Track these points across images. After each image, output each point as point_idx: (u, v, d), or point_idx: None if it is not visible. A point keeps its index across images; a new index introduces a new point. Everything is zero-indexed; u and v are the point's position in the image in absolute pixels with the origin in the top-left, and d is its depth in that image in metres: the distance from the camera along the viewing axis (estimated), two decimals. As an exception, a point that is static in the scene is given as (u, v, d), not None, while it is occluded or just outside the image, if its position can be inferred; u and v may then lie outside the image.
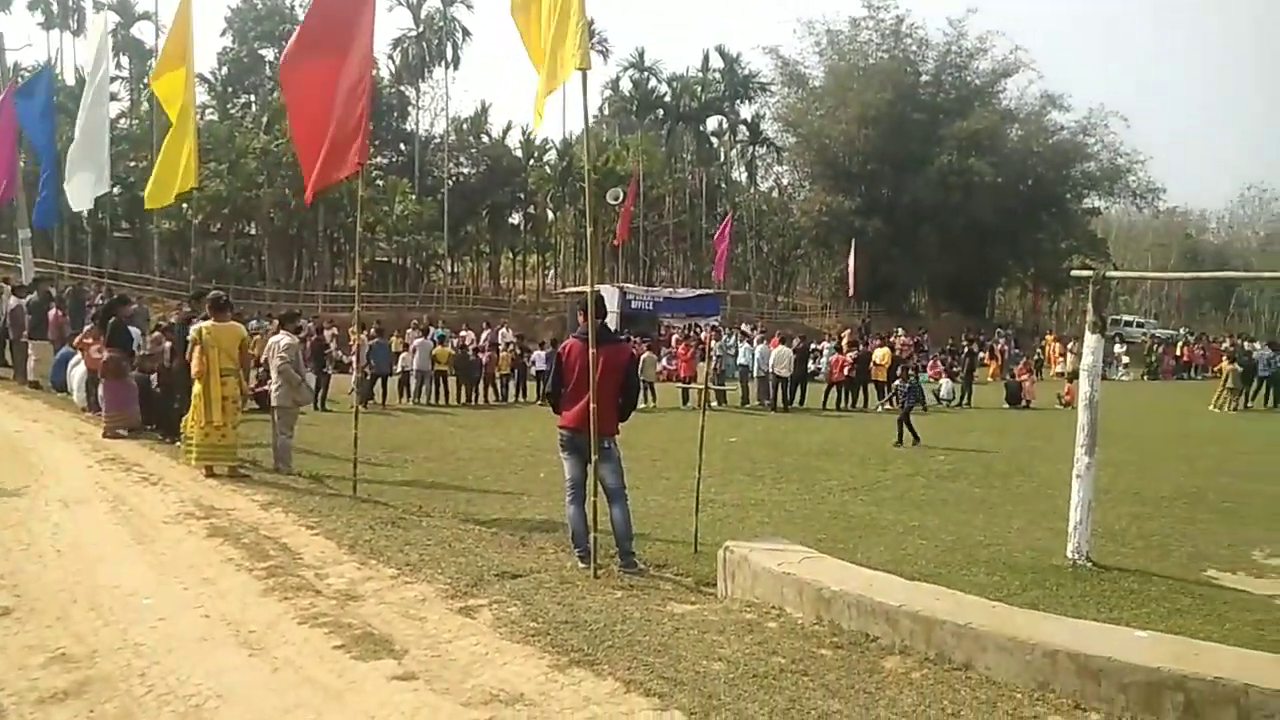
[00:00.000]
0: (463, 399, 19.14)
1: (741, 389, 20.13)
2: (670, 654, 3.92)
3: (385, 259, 47.39)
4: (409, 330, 20.78)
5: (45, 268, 26.78)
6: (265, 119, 40.27)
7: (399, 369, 18.60)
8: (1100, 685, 3.30)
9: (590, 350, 5.59)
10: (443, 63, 48.68)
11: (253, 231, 44.21)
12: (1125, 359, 34.59)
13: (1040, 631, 3.59)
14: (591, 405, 5.53)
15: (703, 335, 22.99)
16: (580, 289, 32.10)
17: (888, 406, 19.57)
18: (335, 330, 21.88)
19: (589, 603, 4.76)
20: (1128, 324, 47.86)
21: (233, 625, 4.29)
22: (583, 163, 47.92)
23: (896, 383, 15.38)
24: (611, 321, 29.61)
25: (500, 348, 21.42)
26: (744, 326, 28.03)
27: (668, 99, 55.48)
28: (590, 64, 5.56)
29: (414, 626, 4.31)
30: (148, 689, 3.55)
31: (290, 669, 3.79)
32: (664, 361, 23.28)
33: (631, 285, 38.76)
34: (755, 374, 19.77)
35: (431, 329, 22.13)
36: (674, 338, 26.73)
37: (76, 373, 12.09)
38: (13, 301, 15.22)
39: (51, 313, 14.81)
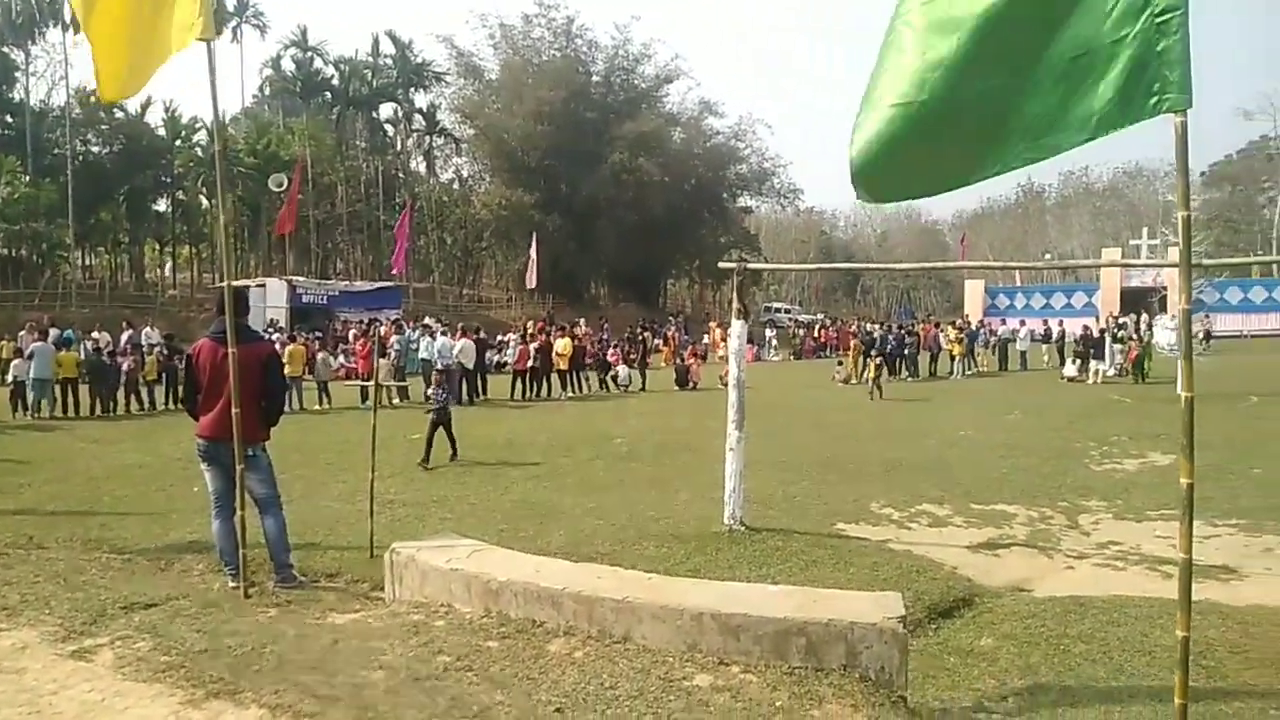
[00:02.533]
0: (98, 410, 16.70)
1: (424, 384, 19.58)
2: (326, 669, 3.66)
3: (-9, 249, 39.95)
4: (22, 334, 17.65)
5: None
6: None
7: (10, 378, 15.74)
8: (740, 640, 3.60)
9: (231, 350, 5.06)
10: (59, 23, 41.87)
11: None
12: (775, 341, 38.71)
13: (688, 597, 3.84)
14: (234, 410, 5.01)
15: (381, 330, 22.06)
16: (243, 283, 29.42)
17: (571, 395, 20.19)
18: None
19: (235, 626, 4.32)
20: (778, 310, 53.72)
21: None
22: (239, 145, 43.85)
23: (430, 390, 12.68)
24: (276, 317, 27.67)
25: (145, 350, 18.94)
26: (427, 320, 27.37)
27: (335, 82, 52.28)
28: (214, 33, 4.99)
29: (7, 682, 3.62)
30: None
31: None
32: (341, 359, 22.04)
33: (302, 279, 36.21)
34: (438, 367, 19.33)
35: (53, 330, 18.98)
36: (351, 334, 25.38)
37: None
38: None
39: None
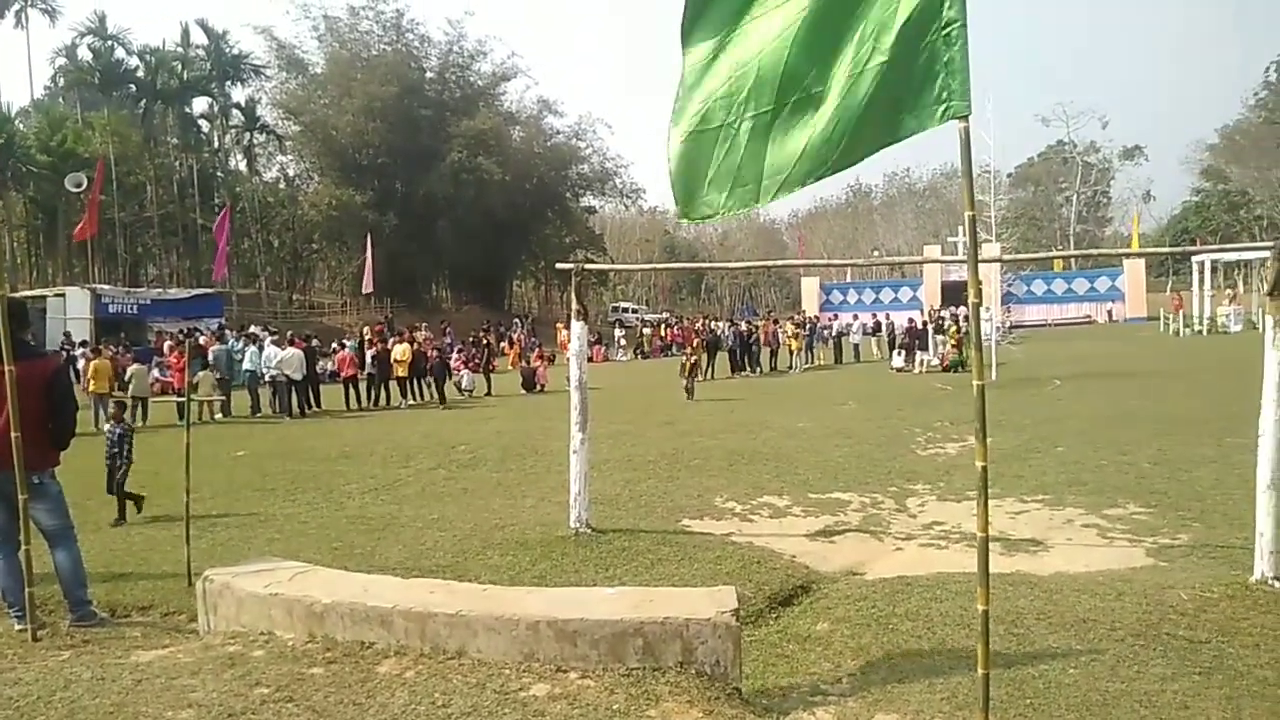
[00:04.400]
0: None
1: (250, 396, 18.47)
2: (125, 713, 3.34)
3: None
4: None
5: None
6: None
7: None
8: (577, 645, 3.54)
9: (8, 369, 4.52)
10: None
11: None
12: (623, 341, 39.09)
13: (524, 606, 3.75)
14: (13, 434, 4.48)
15: (201, 340, 20.60)
16: (38, 293, 26.77)
17: (412, 402, 19.57)
18: None
19: (20, 674, 3.87)
20: (624, 310, 54.26)
21: None
22: (29, 140, 39.84)
23: (107, 426, 10.28)
24: (81, 329, 25.37)
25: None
26: (253, 328, 25.80)
27: (141, 74, 48.33)
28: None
29: None
30: None
31: None
32: (155, 372, 20.38)
33: (108, 286, 33.31)
34: (265, 378, 18.28)
35: None
36: (166, 345, 23.54)
37: None
38: None
39: None
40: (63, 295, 27.99)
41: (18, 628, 4.68)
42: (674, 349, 38.29)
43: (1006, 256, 32.99)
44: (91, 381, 15.92)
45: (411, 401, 19.75)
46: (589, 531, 7.31)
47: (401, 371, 19.59)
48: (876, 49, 3.27)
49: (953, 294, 40.50)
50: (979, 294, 3.34)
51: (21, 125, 41.98)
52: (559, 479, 9.35)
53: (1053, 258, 28.64)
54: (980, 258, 3.31)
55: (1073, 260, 50.69)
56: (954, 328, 25.86)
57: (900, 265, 55.74)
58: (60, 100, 49.98)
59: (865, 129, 3.35)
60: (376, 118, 45.08)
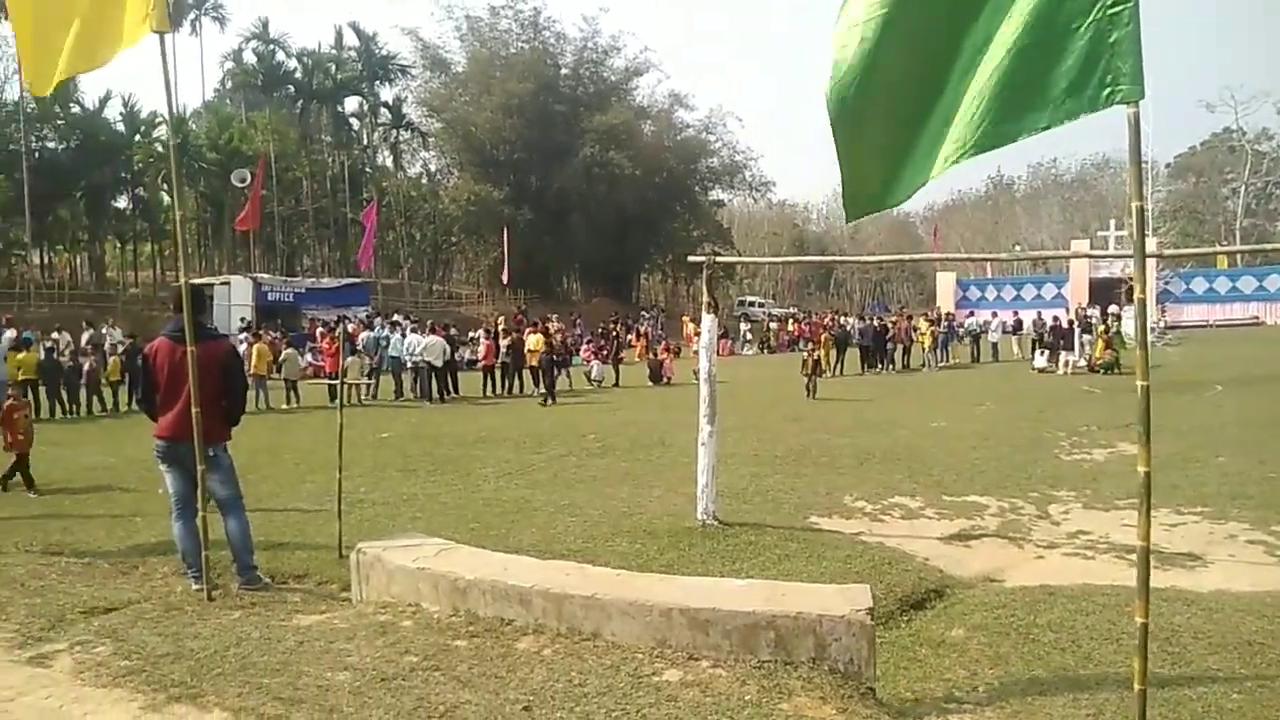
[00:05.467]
0: (57, 413, 16.37)
1: (394, 381, 19.46)
2: (290, 671, 3.61)
3: (-56, 248, 38.94)
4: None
5: None
6: None
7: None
8: (709, 635, 3.58)
9: (190, 349, 4.95)
10: (3, 13, 40.79)
11: None
12: (749, 335, 38.83)
13: (657, 593, 3.82)
14: (194, 410, 4.91)
15: (350, 327, 21.84)
16: (207, 281, 28.96)
17: (542, 391, 20.08)
18: None
19: (199, 629, 4.24)
20: (751, 304, 53.87)
21: None
22: (200, 139, 43.12)
23: None
24: (242, 315, 27.28)
25: (106, 350, 18.58)
26: (396, 316, 27.12)
27: (299, 75, 51.55)
28: (169, 26, 4.88)
29: (-40, 692, 3.52)
30: None
31: None
32: (309, 357, 21.77)
33: (267, 276, 35.75)
34: (408, 365, 19.21)
35: (9, 332, 18.55)
36: (319, 331, 25.07)
37: None
38: None
39: None
40: (228, 283, 30.19)
41: (195, 587, 5.12)
42: (801, 344, 37.80)
43: (1166, 251, 30.73)
44: (253, 364, 17.09)
45: (542, 390, 20.26)
46: (715, 524, 7.33)
47: (534, 361, 20.12)
48: (1030, 26, 3.12)
49: (1102, 291, 38.12)
50: (1144, 290, 3.16)
51: (194, 125, 45.46)
52: (685, 470, 9.42)
53: (1218, 253, 26.62)
54: (1129, 252, 3.14)
55: (1239, 257, 46.81)
56: (1102, 327, 24.40)
57: (1044, 260, 52.94)
58: (227, 101, 53.83)
59: (1015, 110, 3.20)
60: (513, 114, 46.35)
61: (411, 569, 4.44)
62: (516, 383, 20.57)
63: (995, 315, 31.68)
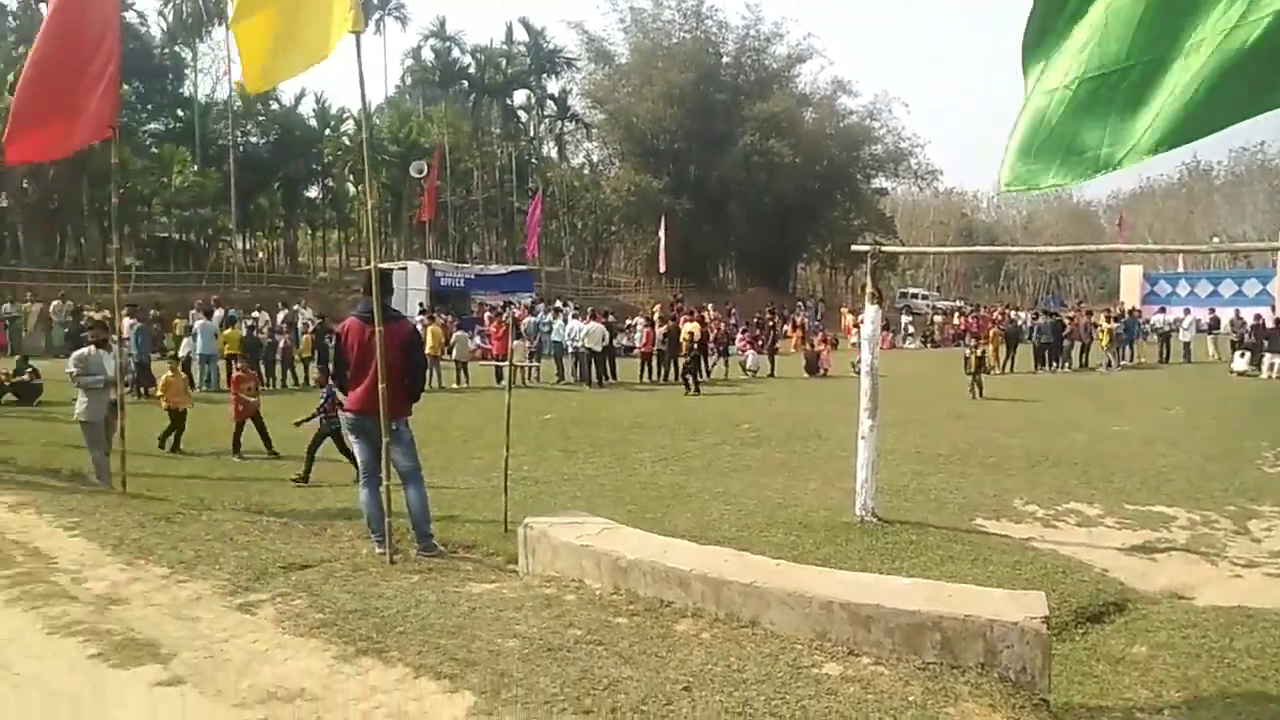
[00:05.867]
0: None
1: (556, 365, 20.12)
2: (464, 635, 3.83)
3: (165, 235, 43.34)
4: (192, 312, 19.15)
5: None
6: (10, 78, 35.56)
7: (183, 354, 17.12)
8: (870, 631, 3.52)
9: (377, 329, 5.33)
10: (222, 21, 44.82)
11: (2, 203, 39.08)
12: (911, 328, 37.52)
13: (818, 585, 3.79)
14: (380, 386, 5.28)
15: (515, 313, 22.75)
16: (386, 266, 30.85)
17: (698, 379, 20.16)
18: (107, 313, 19.83)
19: (382, 589, 4.57)
20: (914, 296, 51.92)
21: (-38, 645, 3.78)
22: (382, 133, 45.93)
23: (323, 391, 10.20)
24: (418, 299, 28.90)
25: (299, 328, 20.18)
26: (557, 303, 27.98)
27: (472, 70, 53.97)
28: (363, 26, 5.25)
29: (185, 628, 3.97)
30: None
31: (33, 685, 3.39)
32: (477, 340, 22.84)
33: (440, 262, 37.69)
34: (569, 350, 19.81)
35: (218, 311, 20.48)
36: (486, 315, 26.24)
37: None
38: None
39: None
40: (405, 269, 32.06)
41: (378, 551, 5.52)
42: (966, 338, 36.14)
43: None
44: (428, 345, 18.10)
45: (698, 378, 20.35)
46: (874, 520, 7.16)
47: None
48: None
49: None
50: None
51: (377, 120, 48.47)
52: (842, 464, 9.25)
53: None
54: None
55: None
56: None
57: (1246, 254, 48.01)
58: (406, 97, 57.02)
59: (1238, 90, 2.92)
60: (674, 104, 46.64)
61: (576, 545, 4.60)
62: (672, 370, 20.77)
63: (1188, 312, 29.13)
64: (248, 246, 49.99)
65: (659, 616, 4.02)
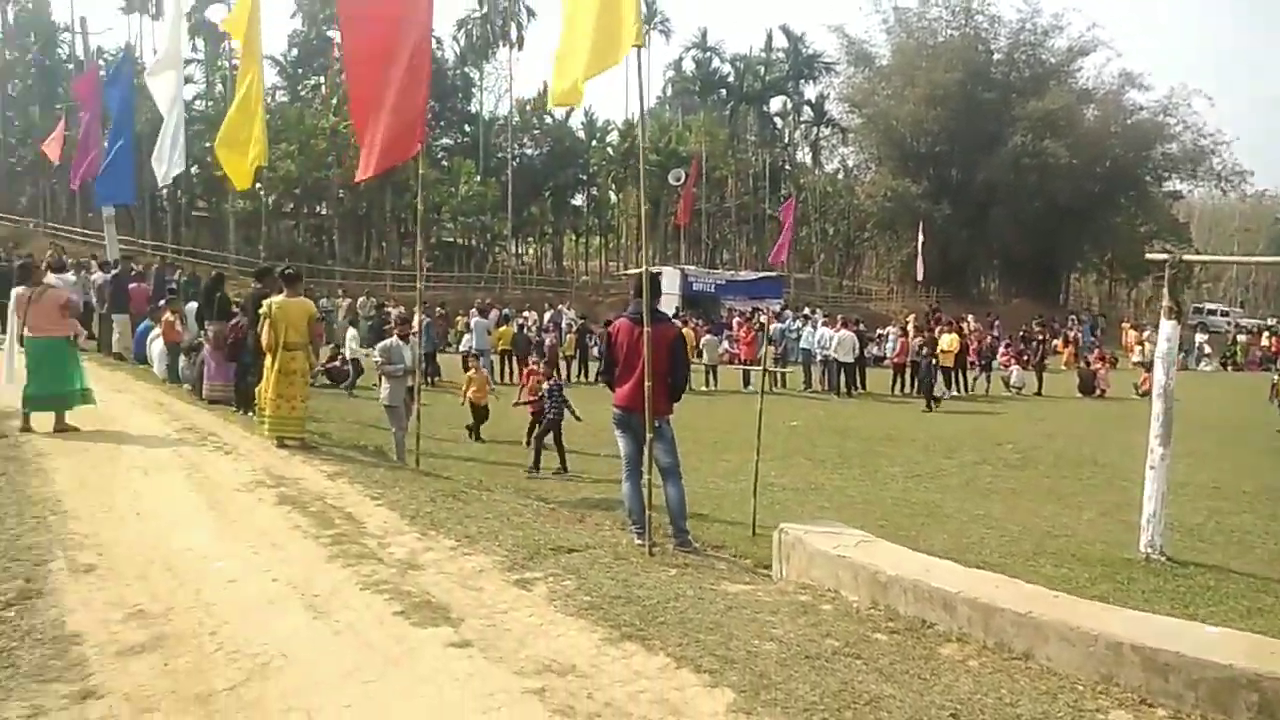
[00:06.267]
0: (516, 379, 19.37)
1: (803, 373, 19.94)
2: (722, 632, 3.92)
3: (451, 240, 48.00)
4: (472, 310, 21.06)
5: (128, 245, 27.92)
6: (334, 100, 40.96)
7: (463, 348, 18.85)
8: (1168, 681, 3.19)
9: (645, 330, 5.59)
10: (507, 43, 48.83)
11: (323, 211, 45.17)
12: (1207, 349, 33.25)
13: (1104, 623, 3.48)
14: (646, 384, 5.54)
15: (763, 318, 22.83)
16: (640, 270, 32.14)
17: (954, 394, 19.16)
18: (402, 309, 22.32)
19: (643, 579, 4.78)
20: (1211, 312, 45.94)
21: (298, 589, 4.42)
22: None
23: (547, 385, 10.48)
24: (672, 303, 29.81)
25: (564, 328, 21.52)
26: (806, 310, 27.72)
27: (730, 79, 54.96)
28: (644, 40, 5.56)
29: (471, 596, 4.38)
30: (217, 646, 3.70)
31: (351, 633, 3.89)
32: (725, 344, 23.17)
33: (693, 267, 38.59)
34: (817, 358, 19.57)
35: (493, 311, 22.34)
36: (735, 320, 26.55)
37: (156, 346, 12.54)
38: (99, 277, 15.93)
39: (133, 286, 15.36)
40: (659, 273, 33.23)
41: (637, 541, 5.78)
42: (1278, 363, 31.43)
43: None
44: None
45: (955, 393, 19.34)
46: (1162, 560, 6.45)
47: (947, 362, 19.29)
48: None
49: None
50: None
51: (638, 130, 50.69)
52: (1122, 495, 8.44)
53: None
54: None
55: None
56: None
57: None
58: (666, 107, 59.03)
59: None
60: (937, 105, 44.65)
61: (832, 555, 4.56)
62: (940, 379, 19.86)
63: None
64: (519, 251, 54.04)
65: (920, 637, 3.89)
